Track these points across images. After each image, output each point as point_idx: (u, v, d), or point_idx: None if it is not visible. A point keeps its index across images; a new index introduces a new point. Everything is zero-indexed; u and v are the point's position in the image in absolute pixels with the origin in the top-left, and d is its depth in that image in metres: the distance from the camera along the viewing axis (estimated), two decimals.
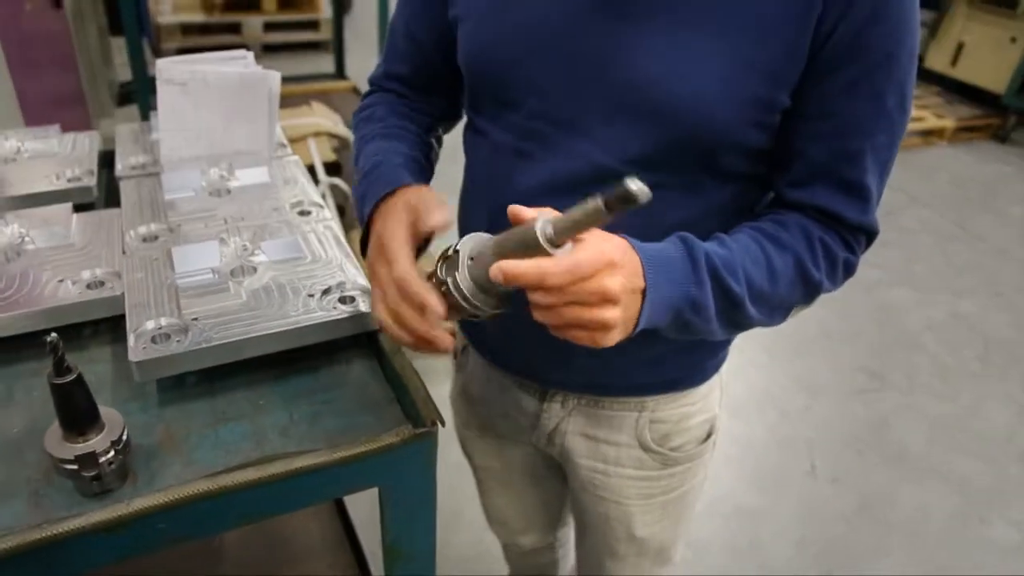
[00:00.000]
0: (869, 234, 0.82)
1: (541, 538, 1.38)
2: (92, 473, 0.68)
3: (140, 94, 3.11)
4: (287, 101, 2.49)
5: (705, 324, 0.73)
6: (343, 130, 2.59)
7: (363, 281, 0.90)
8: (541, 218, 0.63)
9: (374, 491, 0.79)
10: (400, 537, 0.82)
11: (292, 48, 5.57)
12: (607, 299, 0.62)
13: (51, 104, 2.00)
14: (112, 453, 0.68)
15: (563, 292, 0.61)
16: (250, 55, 1.20)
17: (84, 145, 1.27)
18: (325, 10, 5.52)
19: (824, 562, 2.06)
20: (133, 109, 3.86)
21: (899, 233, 3.78)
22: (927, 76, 5.47)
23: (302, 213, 1.06)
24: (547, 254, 0.62)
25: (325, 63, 5.20)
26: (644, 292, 0.66)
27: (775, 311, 0.79)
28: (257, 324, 0.81)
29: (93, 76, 3.26)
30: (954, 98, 5.37)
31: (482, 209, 0.91)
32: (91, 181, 1.15)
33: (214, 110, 1.14)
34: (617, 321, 0.64)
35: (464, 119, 0.98)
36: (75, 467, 0.67)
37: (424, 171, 0.92)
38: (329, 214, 1.07)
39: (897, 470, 2.38)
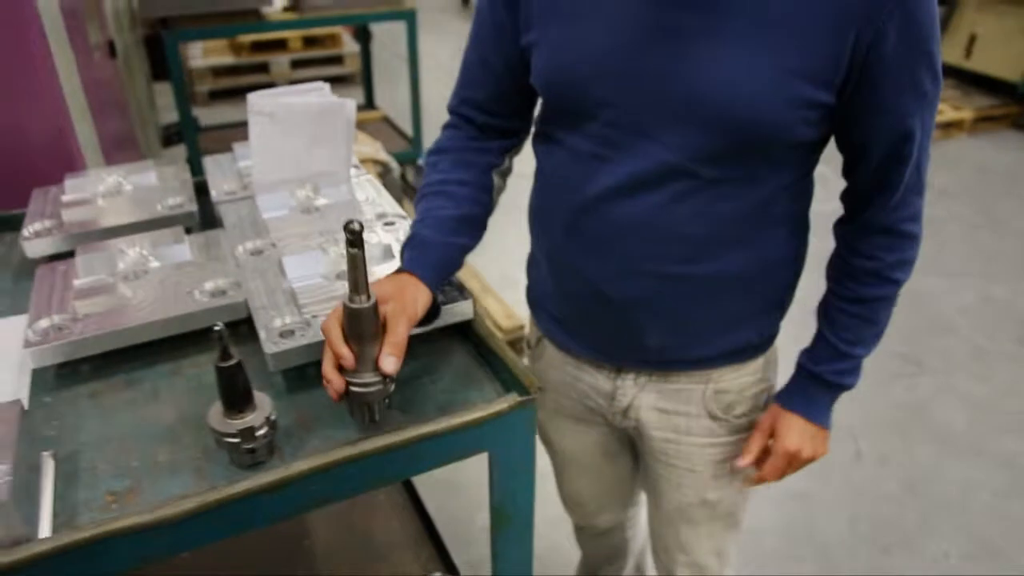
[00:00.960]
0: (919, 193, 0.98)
1: (615, 517, 1.47)
2: (250, 446, 0.79)
3: (188, 133, 3.28)
4: None
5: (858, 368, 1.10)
6: (385, 156, 2.73)
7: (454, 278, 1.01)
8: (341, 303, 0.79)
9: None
10: (505, 500, 0.93)
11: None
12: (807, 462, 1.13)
13: (113, 146, 2.15)
14: (266, 428, 0.79)
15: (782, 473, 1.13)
16: (326, 87, 1.32)
17: (174, 177, 1.40)
18: (348, 45, 5.69)
19: (877, 540, 2.13)
20: (177, 150, 4.04)
21: (927, 224, 3.80)
22: (943, 69, 5.51)
23: (387, 224, 1.18)
24: (373, 314, 0.78)
25: (351, 95, 5.37)
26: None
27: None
28: None
29: (142, 119, 3.43)
30: (970, 89, 5.42)
31: (561, 208, 1.01)
32: (193, 207, 1.28)
33: (298, 136, 1.27)
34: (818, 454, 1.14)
35: (534, 131, 1.09)
36: (236, 440, 0.78)
37: (467, 225, 1.01)
38: (409, 222, 1.19)
39: (941, 450, 2.44)
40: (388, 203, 1.25)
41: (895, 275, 1.00)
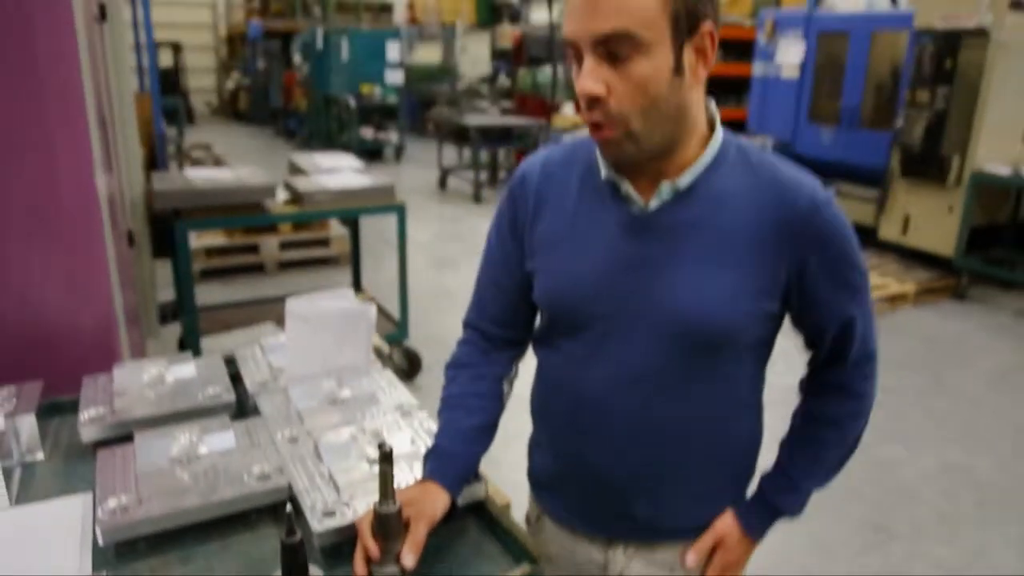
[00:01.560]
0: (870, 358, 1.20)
1: None
2: None
3: (188, 315, 3.49)
4: None
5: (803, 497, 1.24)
6: (377, 340, 2.94)
7: None
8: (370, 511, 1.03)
9: None
10: None
11: (306, 264, 6.06)
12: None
13: (130, 321, 2.34)
14: None
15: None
16: (350, 292, 1.55)
17: (210, 368, 1.59)
18: (335, 228, 6.07)
19: None
20: (172, 328, 4.23)
21: (883, 393, 4.06)
22: (883, 246, 6.04)
23: (405, 414, 1.37)
24: (397, 517, 1.00)
25: (337, 276, 5.68)
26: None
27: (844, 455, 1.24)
28: None
29: (144, 298, 3.64)
30: (911, 264, 5.90)
31: (561, 401, 1.21)
32: (231, 397, 1.46)
33: (327, 336, 1.48)
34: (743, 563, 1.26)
35: (535, 338, 1.31)
36: None
37: (482, 433, 1.23)
38: (424, 413, 1.38)
39: None
40: (403, 394, 1.44)
41: (849, 423, 1.20)
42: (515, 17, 17.16)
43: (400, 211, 3.74)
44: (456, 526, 1.16)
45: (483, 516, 1.17)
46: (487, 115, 9.71)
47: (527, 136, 8.67)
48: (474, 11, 17.10)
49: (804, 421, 1.24)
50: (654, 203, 1.08)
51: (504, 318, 1.29)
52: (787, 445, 1.26)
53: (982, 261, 5.51)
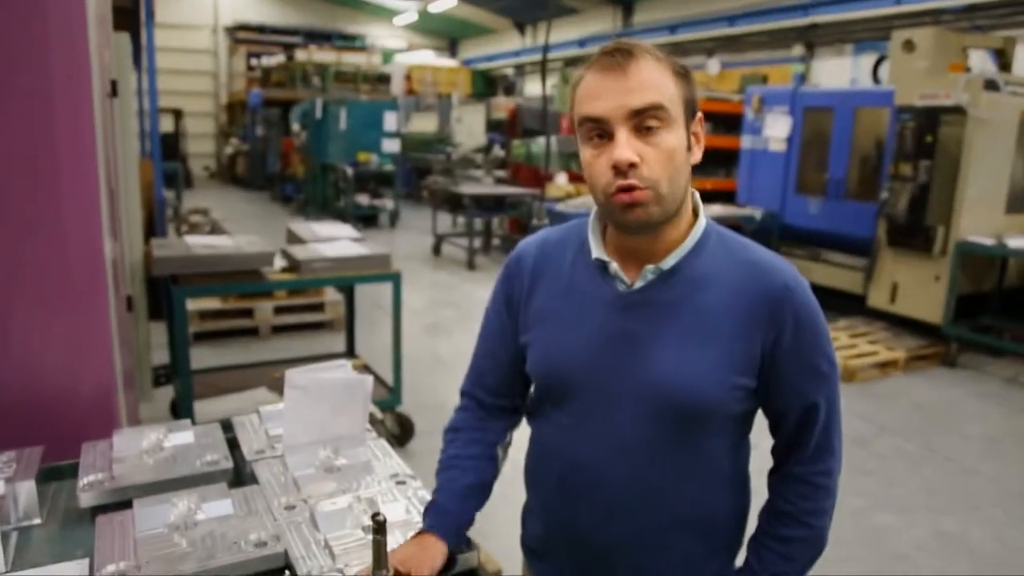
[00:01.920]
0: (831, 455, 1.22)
1: None
2: None
3: (183, 380, 3.50)
4: None
5: None
6: (371, 407, 2.97)
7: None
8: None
9: None
10: None
11: (299, 328, 6.09)
12: None
13: (127, 385, 2.37)
14: None
15: None
16: (348, 363, 1.60)
17: (208, 435, 1.62)
18: (329, 294, 6.12)
19: None
20: (163, 392, 4.23)
21: (875, 460, 4.11)
22: (872, 313, 6.12)
23: (399, 483, 1.40)
24: None
25: (331, 341, 5.71)
26: None
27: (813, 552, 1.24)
28: None
29: (139, 361, 3.66)
30: (900, 331, 5.98)
31: (551, 469, 1.26)
32: (228, 464, 1.48)
33: (324, 406, 1.51)
34: None
35: (528, 408, 1.36)
36: None
37: (477, 492, 1.29)
38: (419, 483, 1.41)
39: None
40: (398, 464, 1.47)
41: (810, 520, 1.22)
42: (509, 90, 17.65)
43: (395, 280, 3.80)
44: None
45: None
46: (481, 184, 9.90)
47: (520, 205, 8.83)
48: (470, 83, 17.60)
49: (768, 519, 1.27)
50: (639, 283, 1.16)
51: (499, 388, 1.34)
52: (754, 544, 1.28)
53: (970, 329, 5.58)
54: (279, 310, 6.00)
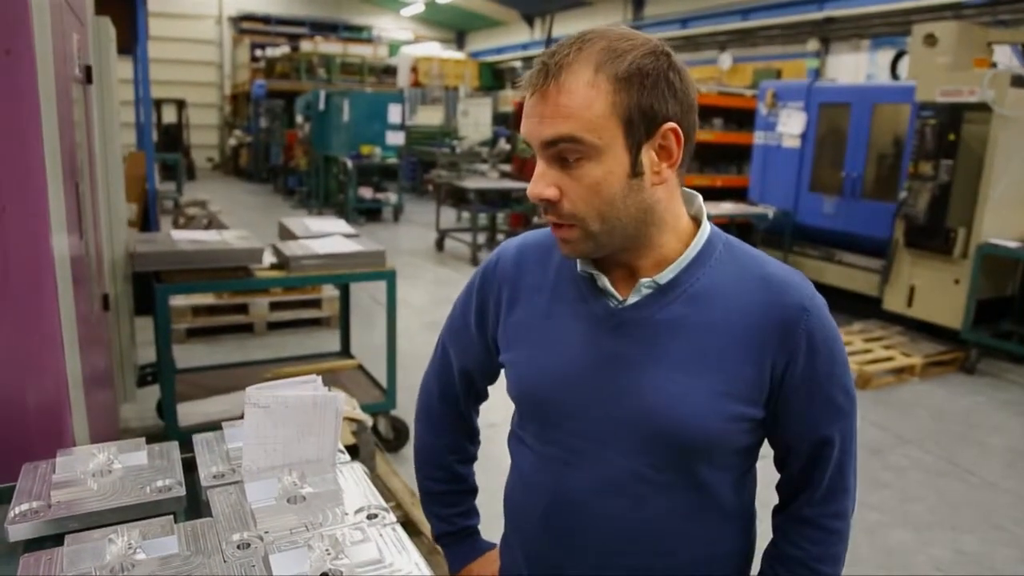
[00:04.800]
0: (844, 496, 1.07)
1: None
2: None
3: (166, 380, 3.34)
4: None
5: None
6: (360, 414, 2.79)
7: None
8: None
9: None
10: None
11: (296, 325, 5.94)
12: None
13: (94, 385, 2.20)
14: None
15: None
16: (319, 379, 1.42)
17: (163, 456, 1.45)
18: (326, 290, 5.96)
19: None
20: (150, 391, 4.07)
21: (891, 472, 3.92)
22: (888, 317, 5.93)
23: (370, 517, 1.22)
24: None
25: (328, 338, 5.55)
26: None
27: None
28: None
29: (121, 360, 3.50)
30: (917, 336, 5.78)
31: (536, 506, 1.11)
32: (181, 491, 1.31)
33: (289, 426, 1.34)
34: None
35: (510, 431, 1.22)
36: None
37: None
38: (393, 517, 1.23)
39: None
40: (371, 493, 1.29)
41: (820, 567, 1.07)
42: (516, 83, 17.46)
43: (390, 278, 3.63)
44: None
45: None
46: (486, 178, 9.73)
47: (525, 200, 8.65)
48: (477, 76, 17.43)
49: (772, 563, 1.12)
50: (632, 298, 1.02)
51: (446, 391, 1.31)
52: None
53: (990, 334, 5.39)
54: (275, 306, 5.85)
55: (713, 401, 0.98)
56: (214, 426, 1.56)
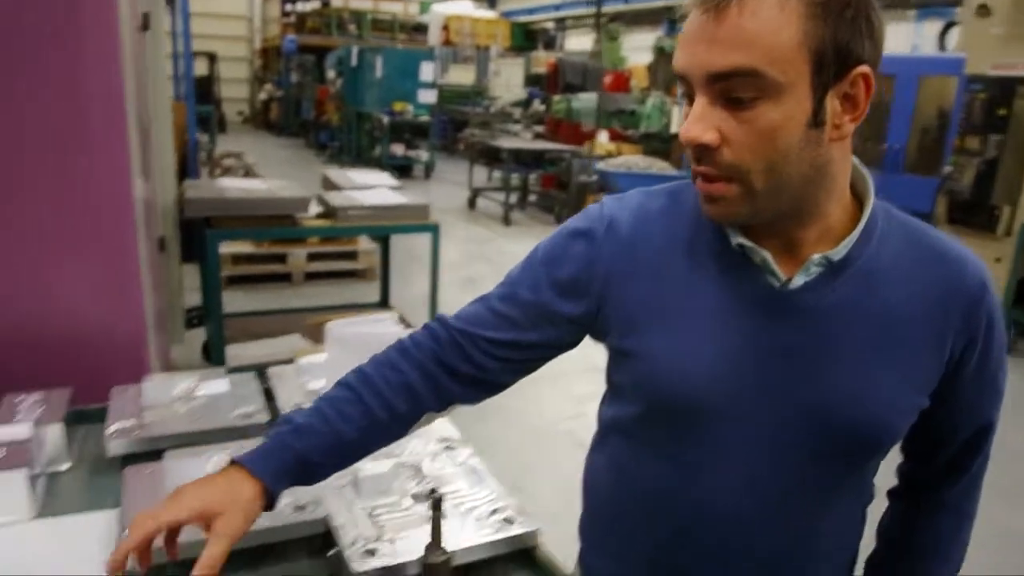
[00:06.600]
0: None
1: None
2: None
3: (214, 323, 3.44)
4: None
5: None
6: None
7: (515, 504, 1.11)
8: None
9: None
10: None
11: (333, 276, 6.01)
12: None
13: (159, 326, 2.28)
14: None
15: None
16: (395, 315, 1.48)
17: (244, 385, 1.52)
18: (363, 242, 6.03)
19: None
20: (197, 333, 4.18)
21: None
22: None
23: (448, 448, 1.29)
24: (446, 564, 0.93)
25: (364, 290, 5.62)
26: None
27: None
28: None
29: (171, 303, 3.60)
30: None
31: (669, 519, 0.96)
32: (265, 416, 1.39)
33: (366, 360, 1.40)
34: None
35: (614, 427, 1.04)
36: None
37: (350, 449, 0.97)
38: (468, 450, 1.30)
39: None
40: (446, 427, 1.36)
41: (954, 555, 1.03)
42: (549, 44, 17.26)
43: (434, 231, 3.68)
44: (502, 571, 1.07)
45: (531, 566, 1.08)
46: (520, 138, 9.70)
47: (560, 161, 8.64)
48: (509, 36, 17.23)
49: (901, 553, 1.05)
50: (800, 277, 0.86)
51: (487, 350, 0.98)
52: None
53: None
54: (312, 257, 5.93)
55: (897, 395, 0.87)
56: (261, 368, 1.63)
